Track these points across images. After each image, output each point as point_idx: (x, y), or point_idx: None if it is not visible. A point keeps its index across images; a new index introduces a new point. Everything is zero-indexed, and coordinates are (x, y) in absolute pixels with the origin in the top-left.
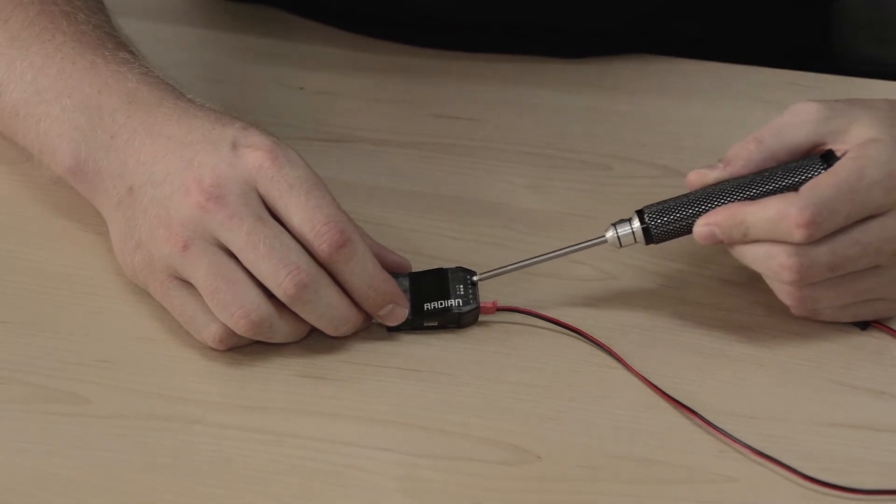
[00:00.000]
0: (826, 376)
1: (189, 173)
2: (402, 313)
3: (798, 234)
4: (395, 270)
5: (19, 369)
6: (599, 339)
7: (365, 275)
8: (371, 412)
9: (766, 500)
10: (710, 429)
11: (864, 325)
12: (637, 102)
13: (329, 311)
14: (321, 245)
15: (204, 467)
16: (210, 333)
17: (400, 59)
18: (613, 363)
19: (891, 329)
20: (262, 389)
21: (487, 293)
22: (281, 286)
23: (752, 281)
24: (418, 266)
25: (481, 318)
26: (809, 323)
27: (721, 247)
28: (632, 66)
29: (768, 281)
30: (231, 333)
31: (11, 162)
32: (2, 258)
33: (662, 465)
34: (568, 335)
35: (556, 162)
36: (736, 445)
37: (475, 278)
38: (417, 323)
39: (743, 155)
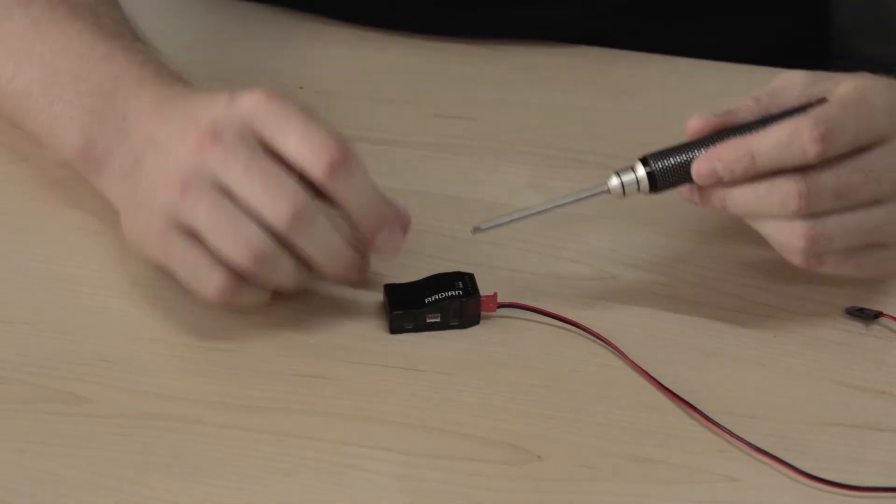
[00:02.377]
0: (826, 376)
1: (188, 124)
2: (398, 239)
3: (812, 151)
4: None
5: (19, 369)
6: (599, 333)
7: (363, 194)
8: (371, 412)
9: (767, 499)
10: (711, 426)
11: (870, 318)
12: (637, 102)
13: (324, 242)
14: (320, 162)
15: (204, 467)
16: (213, 283)
17: (400, 58)
18: (614, 362)
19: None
20: (262, 389)
21: (486, 293)
22: (277, 215)
23: (753, 281)
24: (418, 266)
25: (482, 317)
26: (810, 323)
27: (721, 247)
28: (632, 65)
29: (774, 233)
30: (234, 283)
31: (11, 162)
32: (2, 258)
33: (662, 465)
34: (568, 335)
35: (556, 162)
36: (736, 443)
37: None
38: (420, 319)
39: (743, 108)
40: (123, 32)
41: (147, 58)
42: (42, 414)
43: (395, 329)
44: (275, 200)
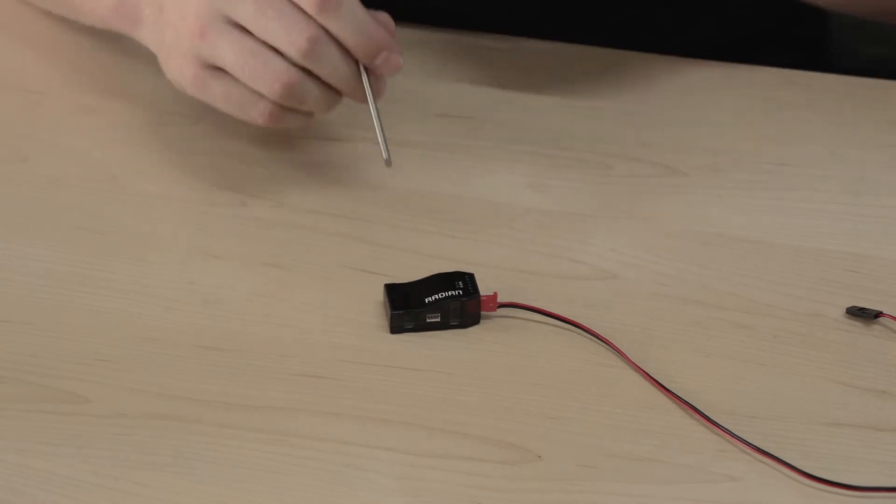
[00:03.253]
0: (826, 376)
1: None
2: (396, 60)
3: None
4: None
5: (19, 369)
6: (599, 333)
7: (356, 23)
8: (371, 412)
9: (767, 499)
10: (711, 426)
11: (870, 317)
12: (638, 102)
13: (340, 63)
14: (310, 2)
15: (203, 467)
16: (260, 111)
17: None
18: (614, 362)
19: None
20: (262, 389)
21: (486, 293)
22: (294, 44)
23: (753, 281)
24: (418, 266)
25: (482, 317)
26: (810, 323)
27: (721, 247)
28: (632, 65)
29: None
30: (278, 110)
31: (11, 161)
32: (2, 258)
33: (662, 465)
34: (568, 335)
35: (556, 161)
36: (736, 443)
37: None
38: (420, 319)
39: None
40: None
41: None
42: (42, 414)
43: (395, 329)
44: (290, 31)
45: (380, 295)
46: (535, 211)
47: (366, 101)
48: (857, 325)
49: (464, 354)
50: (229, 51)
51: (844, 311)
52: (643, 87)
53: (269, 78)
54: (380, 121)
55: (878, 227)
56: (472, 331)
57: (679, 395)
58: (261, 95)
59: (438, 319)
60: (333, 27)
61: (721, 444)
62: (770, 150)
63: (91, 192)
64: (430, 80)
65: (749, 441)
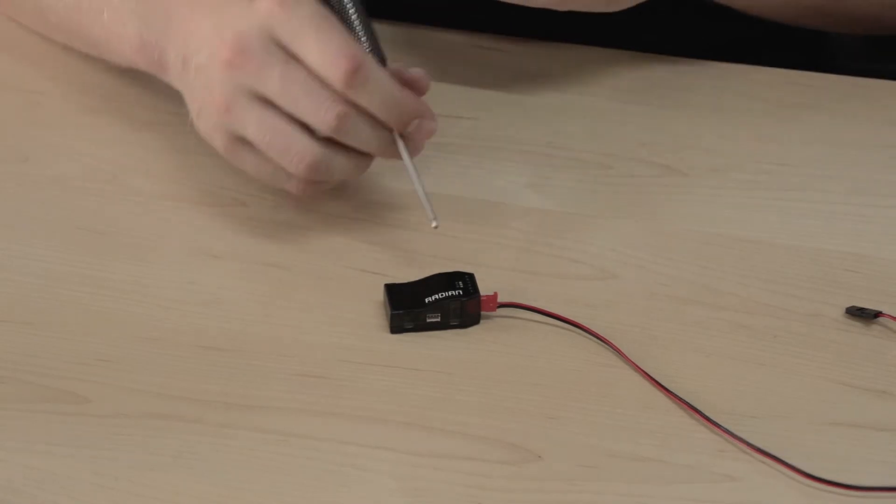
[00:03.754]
0: (826, 376)
1: (215, 37)
2: (430, 126)
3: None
4: (413, 84)
5: (19, 369)
6: (599, 333)
7: (385, 94)
8: (371, 412)
9: (767, 499)
10: (711, 426)
11: (869, 317)
12: (637, 102)
13: (371, 133)
14: (336, 75)
15: (204, 467)
16: (292, 185)
17: (400, 58)
18: (614, 362)
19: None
20: (262, 389)
21: (486, 293)
22: (323, 120)
23: (753, 281)
24: (418, 266)
25: (482, 317)
26: (810, 323)
27: (721, 247)
28: (632, 65)
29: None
30: (310, 184)
31: (11, 161)
32: (2, 258)
33: (662, 465)
34: (568, 335)
35: (556, 161)
36: (736, 443)
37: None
38: (420, 319)
39: None
40: None
41: None
42: (42, 414)
43: (395, 329)
44: (319, 108)
45: (380, 295)
46: (535, 211)
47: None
48: (856, 325)
49: (464, 354)
50: (254, 128)
51: (844, 311)
52: (643, 87)
53: (294, 158)
54: (421, 183)
55: (878, 227)
56: (472, 331)
57: (679, 395)
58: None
59: (438, 319)
60: (362, 101)
61: (721, 444)
62: (770, 150)
63: (91, 192)
64: (431, 80)
65: (749, 441)
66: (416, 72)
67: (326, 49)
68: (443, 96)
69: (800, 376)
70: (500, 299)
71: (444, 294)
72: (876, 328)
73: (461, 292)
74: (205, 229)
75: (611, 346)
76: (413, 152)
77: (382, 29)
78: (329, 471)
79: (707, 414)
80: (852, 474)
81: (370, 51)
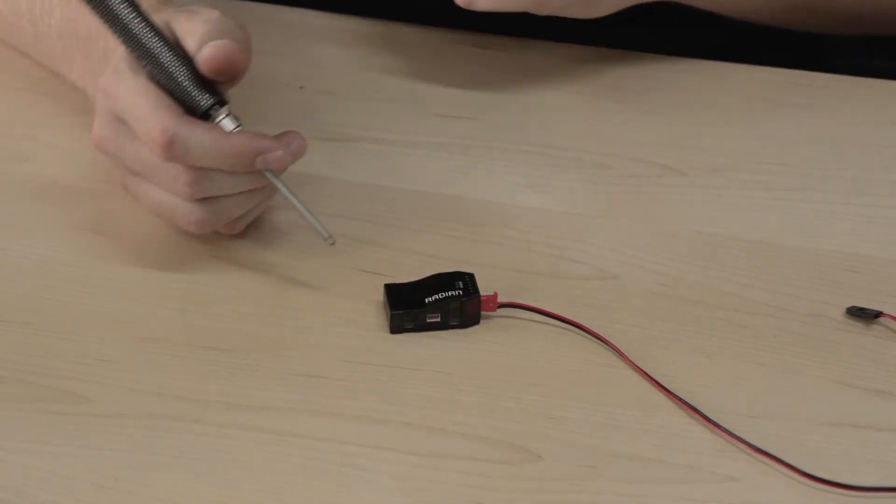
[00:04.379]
0: (826, 376)
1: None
2: (274, 159)
3: None
4: (228, 69)
5: (19, 369)
6: (599, 333)
7: (210, 153)
8: (371, 412)
9: (767, 499)
10: (711, 426)
11: (870, 317)
12: (637, 102)
13: (232, 178)
14: (156, 153)
15: (204, 467)
16: (192, 218)
17: (400, 58)
18: (614, 362)
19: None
20: (262, 389)
21: (486, 293)
22: (181, 192)
23: (753, 281)
24: (418, 266)
25: (482, 317)
26: (810, 323)
27: (721, 247)
28: (632, 65)
29: None
30: (207, 214)
31: (11, 161)
32: (2, 258)
33: (662, 465)
34: (568, 335)
35: (556, 161)
36: (736, 443)
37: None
38: (420, 319)
39: None
40: None
41: None
42: (42, 414)
43: (395, 329)
44: (172, 182)
45: (380, 295)
46: (535, 211)
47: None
48: (857, 326)
49: (464, 354)
50: (142, 201)
51: (844, 311)
52: (643, 87)
53: (182, 221)
54: (302, 204)
55: (878, 227)
56: (472, 331)
57: (679, 395)
58: (190, 201)
59: (438, 319)
60: (189, 163)
61: (721, 444)
62: (770, 150)
63: (91, 192)
64: (430, 80)
65: (749, 441)
66: (219, 47)
67: (141, 127)
68: (443, 96)
69: (800, 376)
70: (500, 299)
71: (444, 294)
72: (876, 328)
73: (461, 292)
74: None
75: (611, 346)
76: (279, 170)
77: (383, 29)
78: (329, 471)
79: (707, 414)
80: (852, 474)
81: (191, 103)
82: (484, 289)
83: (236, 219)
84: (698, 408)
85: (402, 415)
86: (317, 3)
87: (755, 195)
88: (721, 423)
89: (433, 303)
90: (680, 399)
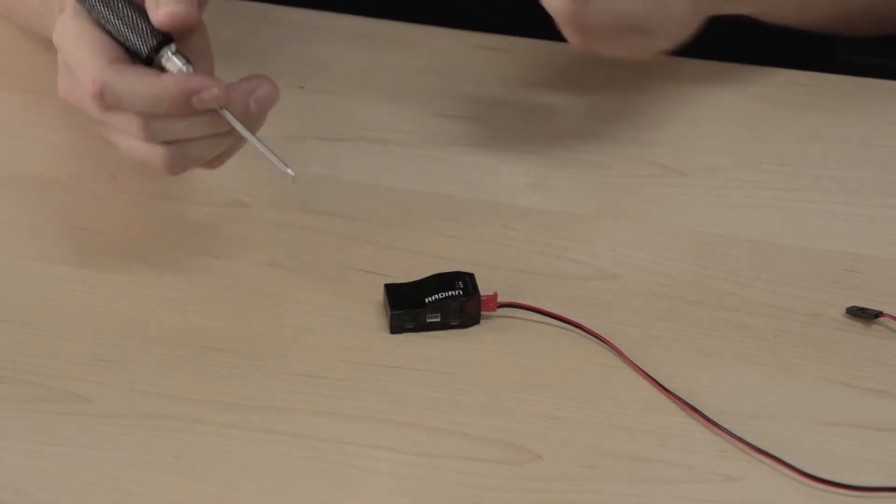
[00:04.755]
0: (826, 376)
1: None
2: (214, 95)
3: None
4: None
5: (19, 369)
6: (599, 333)
7: (145, 100)
8: (371, 412)
9: (767, 499)
10: (711, 426)
11: (870, 317)
12: (637, 102)
13: (178, 122)
14: (90, 106)
15: (204, 467)
16: (159, 162)
17: (400, 58)
18: (614, 362)
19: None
20: (262, 389)
21: (486, 293)
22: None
23: (753, 281)
24: (418, 266)
25: (482, 317)
26: (810, 323)
27: (721, 247)
28: (632, 65)
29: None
30: (175, 156)
31: (12, 162)
32: (1, 258)
33: (662, 465)
34: (568, 335)
35: (556, 161)
36: (736, 443)
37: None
38: (420, 319)
39: None
40: None
41: None
42: (42, 414)
43: (395, 329)
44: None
45: (380, 295)
46: (535, 211)
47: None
48: (857, 326)
49: (464, 354)
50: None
51: (844, 311)
52: (643, 87)
53: (124, 118)
54: (260, 141)
55: (878, 227)
56: (472, 331)
57: (679, 395)
58: (154, 146)
59: (438, 319)
60: (124, 109)
61: (721, 444)
62: (770, 150)
63: (90, 192)
64: (430, 80)
65: (749, 441)
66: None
67: (79, 76)
68: (443, 96)
69: (800, 376)
70: (500, 299)
71: (444, 294)
72: (876, 328)
73: (461, 292)
74: (205, 229)
75: (611, 346)
76: (249, 118)
77: (383, 29)
78: (329, 471)
79: (707, 414)
80: (852, 474)
81: (132, 47)
82: (484, 289)
83: (214, 158)
84: (698, 408)
85: (402, 415)
86: (317, 3)
87: (755, 195)
88: (721, 423)
89: (433, 303)
90: (680, 399)
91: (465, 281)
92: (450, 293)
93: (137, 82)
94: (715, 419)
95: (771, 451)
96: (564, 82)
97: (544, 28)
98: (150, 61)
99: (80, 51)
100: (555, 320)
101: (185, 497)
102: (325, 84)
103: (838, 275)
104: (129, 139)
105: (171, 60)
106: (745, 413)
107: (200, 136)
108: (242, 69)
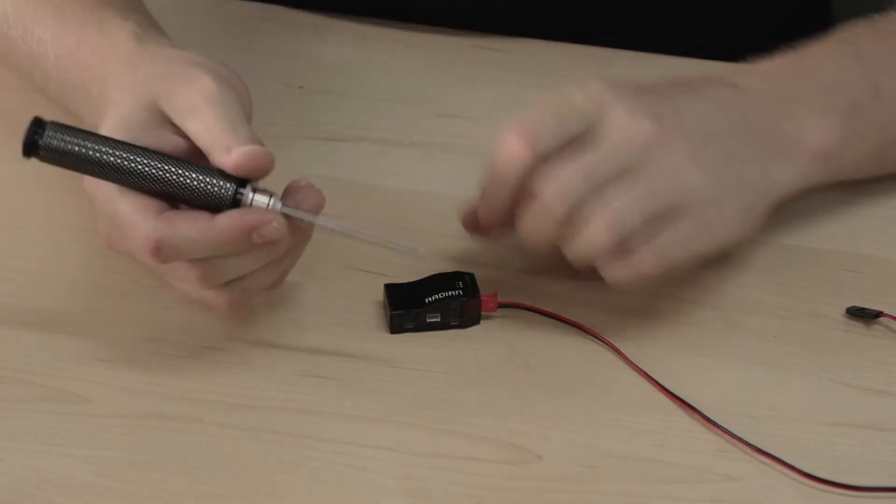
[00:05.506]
0: (826, 376)
1: None
2: (274, 229)
3: (518, 150)
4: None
5: (19, 369)
6: (599, 333)
7: (204, 246)
8: (371, 412)
9: (767, 499)
10: (711, 426)
11: (870, 317)
12: None
13: (241, 260)
14: (149, 262)
15: (204, 467)
16: (220, 303)
17: (400, 58)
18: (614, 362)
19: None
20: (262, 389)
21: (486, 293)
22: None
23: (752, 281)
24: (418, 266)
25: (482, 317)
26: (810, 323)
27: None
28: (632, 65)
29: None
30: (235, 294)
31: (11, 161)
32: (2, 258)
33: (662, 465)
34: (568, 335)
35: None
36: (736, 443)
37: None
38: (420, 319)
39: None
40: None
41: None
42: (42, 414)
43: (395, 329)
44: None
45: (380, 295)
46: None
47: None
48: (857, 325)
49: (464, 354)
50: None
51: (844, 311)
52: None
53: (180, 270)
54: (372, 233)
55: (878, 227)
56: (472, 331)
57: (679, 395)
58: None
59: (438, 319)
60: (191, 259)
61: (721, 445)
62: None
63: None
64: (430, 80)
65: (749, 441)
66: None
67: (128, 235)
68: (443, 96)
69: (800, 376)
70: (500, 299)
71: (444, 294)
72: (877, 328)
73: (461, 292)
74: None
75: (611, 346)
76: (301, 233)
77: (383, 29)
78: (329, 471)
79: (707, 414)
80: (852, 474)
81: (212, 202)
82: (484, 289)
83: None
84: (698, 408)
85: (402, 415)
86: (317, 3)
87: None
88: (721, 423)
89: (433, 303)
90: (680, 399)
91: (465, 281)
92: (450, 293)
93: (193, 231)
94: (715, 419)
95: (771, 451)
96: (564, 82)
97: (544, 28)
98: (235, 205)
99: (124, 207)
100: (555, 320)
101: (186, 497)
102: (325, 84)
103: (838, 275)
104: (185, 285)
105: (256, 198)
106: (745, 413)
107: (258, 267)
108: (242, 69)
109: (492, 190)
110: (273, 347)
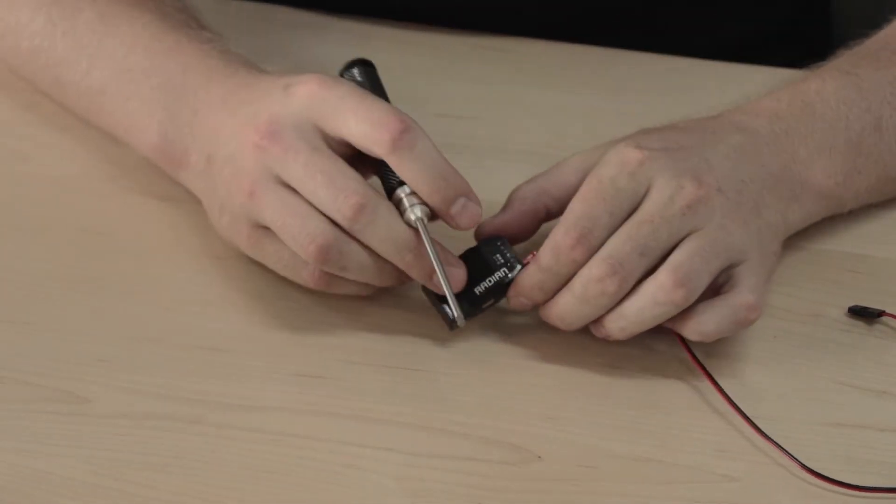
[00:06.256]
0: (827, 376)
1: (247, 125)
2: (474, 209)
3: (579, 255)
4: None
5: (19, 369)
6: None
7: (430, 164)
8: (371, 412)
9: (767, 499)
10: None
11: (872, 317)
12: (637, 102)
13: (390, 232)
14: (381, 138)
15: (203, 467)
16: (308, 272)
17: (400, 58)
18: (614, 362)
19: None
20: (262, 389)
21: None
22: (340, 210)
23: None
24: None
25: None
26: (810, 323)
27: None
28: (632, 65)
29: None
30: (325, 275)
31: (11, 161)
32: (2, 258)
33: (662, 465)
34: (568, 335)
35: (557, 161)
36: (736, 443)
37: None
38: (475, 311)
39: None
40: (188, 21)
41: (212, 46)
42: (42, 414)
43: (454, 326)
44: (337, 196)
45: (380, 295)
46: None
47: (425, 276)
48: (858, 325)
49: (464, 354)
50: (273, 210)
51: (846, 311)
52: (643, 87)
53: (305, 239)
54: (448, 285)
55: (878, 227)
56: (471, 331)
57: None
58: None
59: (493, 301)
60: (406, 166)
61: (721, 444)
62: None
63: (91, 192)
64: (430, 80)
65: (749, 440)
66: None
67: (369, 116)
68: (443, 96)
69: (800, 376)
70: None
71: (492, 280)
72: (879, 328)
73: (506, 271)
74: (205, 229)
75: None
76: (451, 273)
77: (383, 29)
78: (329, 471)
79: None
80: (852, 474)
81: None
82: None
83: (342, 281)
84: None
85: (402, 415)
86: (317, 3)
87: None
88: (721, 424)
89: (485, 292)
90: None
91: (501, 253)
92: (496, 276)
93: (432, 148)
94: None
95: (771, 452)
96: (564, 82)
97: (544, 28)
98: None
99: (372, 102)
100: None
101: (185, 497)
102: None
103: (839, 275)
104: (299, 248)
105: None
106: (745, 413)
107: (379, 250)
108: None
109: (545, 282)
110: (272, 347)
